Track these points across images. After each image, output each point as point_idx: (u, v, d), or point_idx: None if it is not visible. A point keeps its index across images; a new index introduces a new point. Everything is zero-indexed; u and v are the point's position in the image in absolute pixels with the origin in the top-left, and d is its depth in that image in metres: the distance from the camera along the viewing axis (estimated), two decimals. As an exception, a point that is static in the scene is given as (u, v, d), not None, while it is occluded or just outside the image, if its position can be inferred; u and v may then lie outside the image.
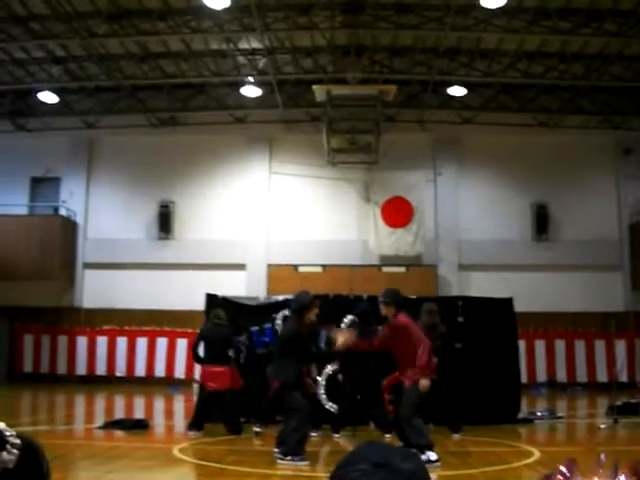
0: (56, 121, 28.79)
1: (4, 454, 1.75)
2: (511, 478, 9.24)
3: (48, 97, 27.54)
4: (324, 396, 14.73)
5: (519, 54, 25.05)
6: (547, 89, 27.58)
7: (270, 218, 28.83)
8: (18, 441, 1.80)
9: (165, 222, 28.86)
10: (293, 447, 10.37)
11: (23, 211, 29.41)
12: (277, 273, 27.17)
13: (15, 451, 1.77)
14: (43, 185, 29.85)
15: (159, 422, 16.77)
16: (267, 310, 15.38)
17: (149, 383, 26.70)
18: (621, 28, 22.60)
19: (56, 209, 29.37)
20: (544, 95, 27.81)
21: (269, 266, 28.00)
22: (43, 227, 27.98)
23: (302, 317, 11.00)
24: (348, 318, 14.83)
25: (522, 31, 23.26)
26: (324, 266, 27.17)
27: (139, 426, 14.36)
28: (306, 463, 10.20)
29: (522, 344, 20.60)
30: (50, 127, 28.87)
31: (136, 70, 26.43)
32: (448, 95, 27.64)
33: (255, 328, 15.23)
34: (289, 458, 10.25)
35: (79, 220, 29.21)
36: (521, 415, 15.78)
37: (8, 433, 1.80)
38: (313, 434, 11.91)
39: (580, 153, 28.73)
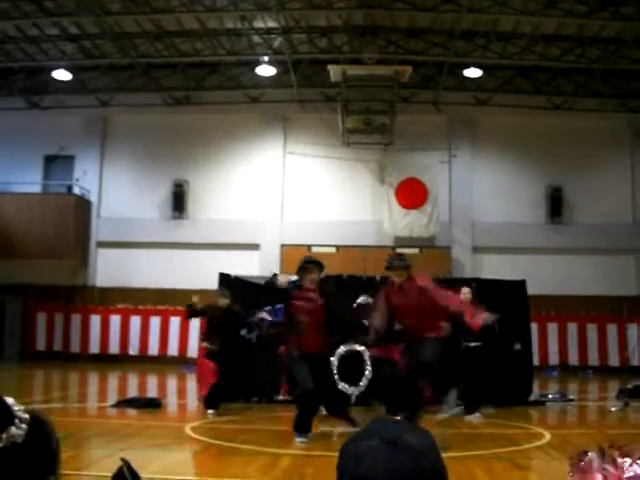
0: (70, 99, 28.80)
1: (12, 429, 1.75)
2: (522, 460, 9.24)
3: (62, 75, 27.55)
4: (337, 376, 14.74)
5: (535, 37, 24.93)
6: (563, 72, 27.44)
7: (284, 198, 28.84)
8: (26, 416, 1.80)
9: (179, 201, 28.89)
10: (294, 423, 10.45)
11: (37, 189, 29.47)
12: (290, 253, 27.13)
13: (24, 426, 1.77)
14: (57, 163, 29.89)
15: (172, 401, 16.81)
16: (280, 290, 15.36)
17: (162, 362, 26.78)
18: (638, 12, 22.47)
19: (70, 187, 29.39)
20: (560, 78, 27.70)
21: (282, 246, 28.03)
22: (57, 205, 28.03)
23: (301, 282, 11.04)
24: (361, 298, 14.88)
25: (538, 14, 23.17)
26: (338, 247, 27.19)
27: (152, 405, 14.40)
28: (302, 440, 10.24)
29: (534, 327, 20.61)
30: (64, 105, 28.88)
31: (150, 48, 26.41)
32: (464, 77, 27.54)
33: (268, 308, 15.23)
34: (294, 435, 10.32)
35: (92, 199, 29.26)
36: (533, 397, 15.80)
37: (16, 408, 1.80)
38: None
39: (595, 136, 28.62)
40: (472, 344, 13.38)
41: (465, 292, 13.36)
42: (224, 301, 14.21)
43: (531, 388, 15.84)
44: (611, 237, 27.80)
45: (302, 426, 10.50)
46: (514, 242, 27.73)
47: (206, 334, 14.39)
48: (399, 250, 27.28)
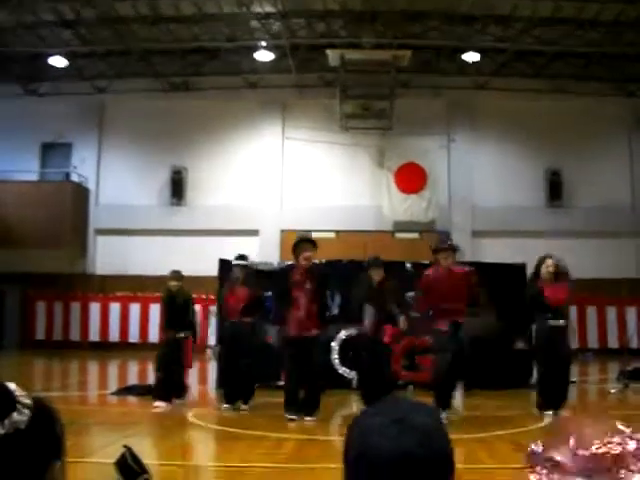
0: (67, 86, 28.70)
1: (15, 415, 1.72)
2: (525, 441, 9.22)
3: (59, 61, 27.44)
4: (337, 361, 14.76)
5: (533, 20, 24.84)
6: (561, 55, 27.33)
7: (283, 183, 28.80)
8: (29, 401, 1.77)
9: (177, 188, 28.85)
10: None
11: (34, 177, 29.39)
12: (290, 239, 27.00)
13: (26, 411, 1.74)
14: (54, 151, 29.77)
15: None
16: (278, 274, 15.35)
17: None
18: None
19: (67, 175, 29.32)
20: (558, 61, 27.60)
21: (282, 232, 27.99)
22: (54, 193, 27.91)
23: (296, 260, 11.30)
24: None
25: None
26: (337, 232, 27.17)
27: (150, 392, 14.39)
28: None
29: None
30: (61, 92, 28.79)
31: (148, 34, 26.26)
32: (462, 61, 27.42)
33: (268, 293, 15.23)
34: None
35: (90, 186, 29.18)
36: (533, 380, 15.79)
37: (19, 394, 1.77)
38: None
39: (594, 120, 28.58)
40: (552, 322, 11.57)
41: (549, 264, 11.79)
42: (174, 284, 13.60)
43: (532, 370, 15.83)
44: (610, 220, 27.82)
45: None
46: (513, 226, 27.71)
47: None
48: (398, 235, 27.38)
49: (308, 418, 10.82)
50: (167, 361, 13.00)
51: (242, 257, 13.00)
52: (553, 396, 11.44)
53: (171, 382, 12.92)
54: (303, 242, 11.37)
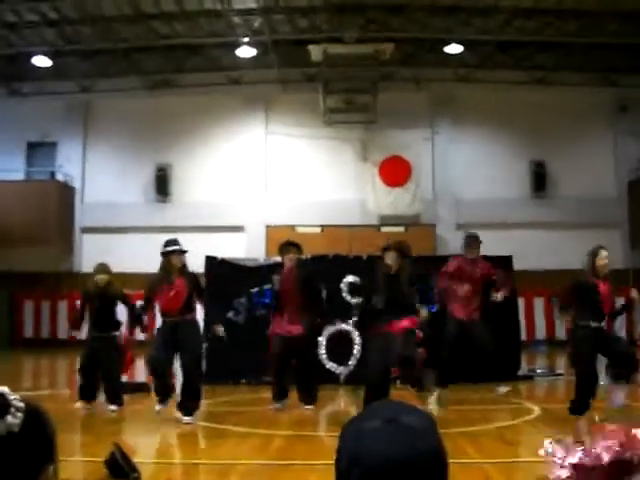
0: (51, 85, 28.63)
1: (9, 417, 1.75)
2: (512, 435, 9.28)
3: (42, 61, 27.34)
4: (324, 356, 14.75)
5: (515, 11, 24.87)
6: (543, 46, 27.35)
7: (267, 179, 28.81)
8: (22, 404, 1.80)
9: (162, 185, 28.82)
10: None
11: (19, 176, 29.31)
12: (275, 234, 27.02)
13: (20, 414, 1.77)
14: (39, 150, 29.74)
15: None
16: (266, 271, 15.38)
17: (149, 347, 26.69)
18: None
19: (52, 174, 29.27)
20: (540, 52, 27.63)
21: (267, 227, 28.00)
22: (40, 192, 27.86)
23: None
24: (350, 278, 15.01)
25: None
26: (322, 227, 27.19)
27: (141, 389, 14.41)
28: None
29: (521, 302, 20.60)
30: (45, 91, 28.72)
31: (130, 32, 26.17)
32: (445, 53, 27.41)
33: (255, 290, 15.29)
34: None
35: (76, 184, 29.15)
36: (521, 372, 15.84)
37: (12, 397, 1.80)
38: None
39: (577, 110, 28.65)
40: (594, 324, 10.50)
41: (604, 256, 10.84)
42: (102, 277, 12.75)
43: (519, 362, 15.89)
44: (596, 211, 27.87)
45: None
46: (499, 218, 27.72)
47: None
48: (384, 229, 27.39)
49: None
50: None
51: (174, 242, 11.83)
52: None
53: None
54: (286, 246, 11.79)
